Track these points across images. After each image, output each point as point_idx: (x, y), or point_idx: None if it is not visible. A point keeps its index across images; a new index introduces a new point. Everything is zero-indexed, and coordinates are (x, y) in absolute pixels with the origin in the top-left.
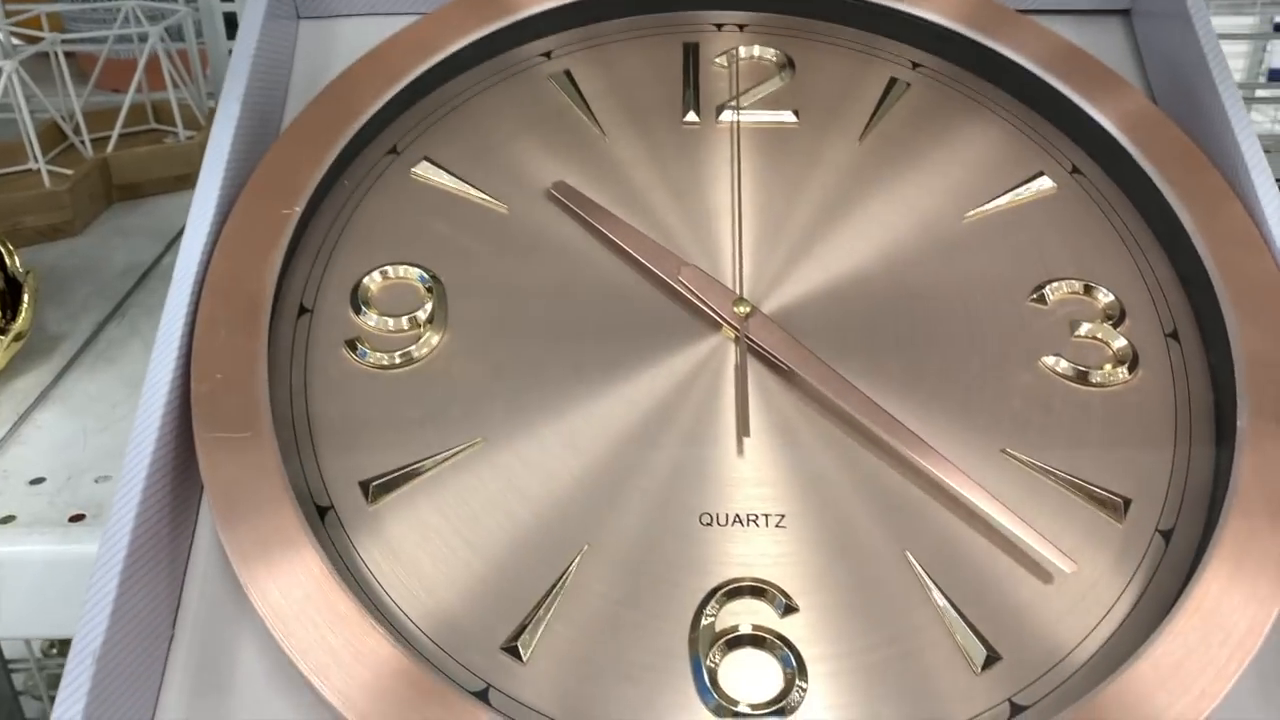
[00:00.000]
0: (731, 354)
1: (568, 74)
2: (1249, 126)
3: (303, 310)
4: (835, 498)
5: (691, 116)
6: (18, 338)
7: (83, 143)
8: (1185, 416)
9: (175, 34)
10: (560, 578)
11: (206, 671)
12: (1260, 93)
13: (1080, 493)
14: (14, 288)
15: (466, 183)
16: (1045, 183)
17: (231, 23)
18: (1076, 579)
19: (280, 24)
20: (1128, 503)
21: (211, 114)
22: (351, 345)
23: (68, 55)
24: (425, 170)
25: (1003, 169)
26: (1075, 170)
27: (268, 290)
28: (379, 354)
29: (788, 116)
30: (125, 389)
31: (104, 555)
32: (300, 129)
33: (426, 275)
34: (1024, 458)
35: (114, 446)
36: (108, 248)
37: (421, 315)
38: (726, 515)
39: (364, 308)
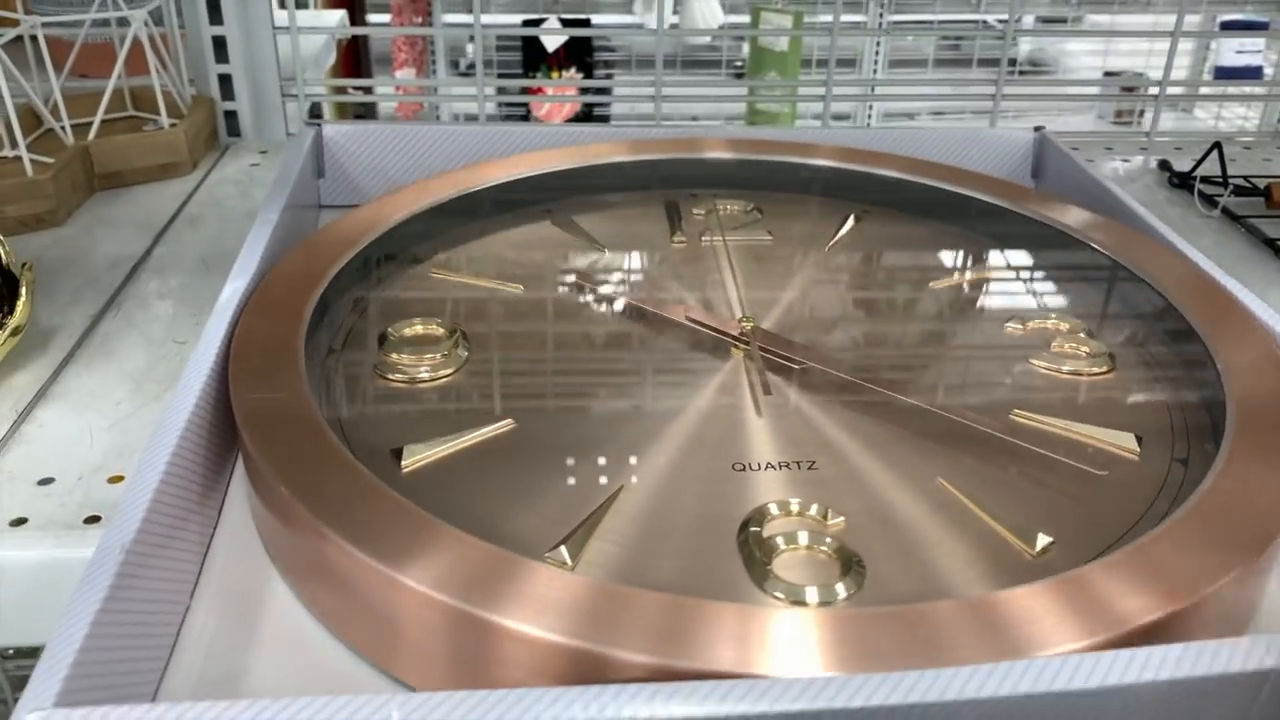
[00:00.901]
0: (741, 370)
1: (567, 218)
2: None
3: (330, 350)
4: (860, 452)
5: (679, 238)
6: (14, 332)
7: (63, 129)
8: (1169, 383)
9: (154, 17)
10: (601, 506)
11: (235, 602)
12: (1204, 90)
13: (1093, 436)
14: (7, 280)
15: (482, 276)
16: (996, 264)
17: (214, 5)
18: (1109, 490)
19: (302, 211)
20: (1140, 439)
21: (194, 100)
22: (378, 369)
23: (33, 39)
24: (443, 270)
25: (958, 258)
26: (1018, 258)
27: (302, 325)
28: (405, 373)
29: (763, 237)
30: (128, 385)
31: (140, 471)
32: (334, 229)
33: (449, 326)
34: (1034, 416)
35: (123, 445)
36: (93, 238)
37: (445, 349)
38: (759, 463)
39: (390, 346)
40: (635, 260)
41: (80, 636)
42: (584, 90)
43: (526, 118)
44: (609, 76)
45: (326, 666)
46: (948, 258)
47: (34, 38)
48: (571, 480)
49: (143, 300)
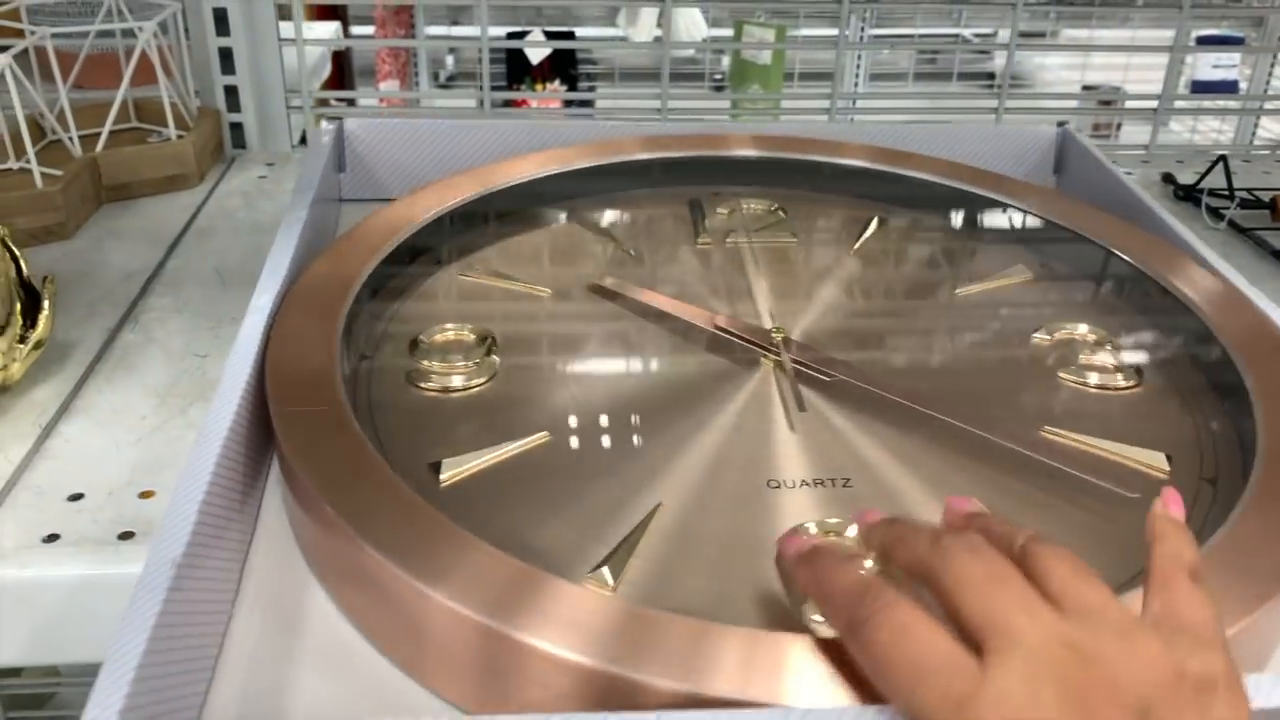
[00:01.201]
0: (772, 380)
1: (591, 219)
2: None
3: (363, 357)
4: (893, 469)
5: (704, 239)
6: (37, 346)
7: (71, 140)
8: (1196, 400)
9: (160, 28)
10: (640, 525)
11: (275, 613)
12: (1179, 103)
13: (1123, 454)
14: (28, 294)
15: (509, 278)
16: (1023, 271)
17: (221, 18)
18: (1140, 511)
19: (325, 206)
20: (1169, 458)
21: (200, 112)
22: (411, 378)
23: (36, 49)
24: (470, 273)
25: (984, 263)
26: (1044, 265)
27: (338, 327)
28: (438, 382)
29: (787, 238)
30: (151, 400)
31: (185, 482)
32: (360, 232)
33: (480, 332)
34: (1064, 433)
35: (150, 461)
36: (103, 251)
37: (477, 356)
38: (793, 481)
39: (422, 352)
40: (661, 264)
41: (138, 654)
42: (569, 103)
43: None
44: (591, 89)
45: (368, 678)
46: (974, 265)
47: (39, 49)
48: (608, 497)
49: (159, 313)
